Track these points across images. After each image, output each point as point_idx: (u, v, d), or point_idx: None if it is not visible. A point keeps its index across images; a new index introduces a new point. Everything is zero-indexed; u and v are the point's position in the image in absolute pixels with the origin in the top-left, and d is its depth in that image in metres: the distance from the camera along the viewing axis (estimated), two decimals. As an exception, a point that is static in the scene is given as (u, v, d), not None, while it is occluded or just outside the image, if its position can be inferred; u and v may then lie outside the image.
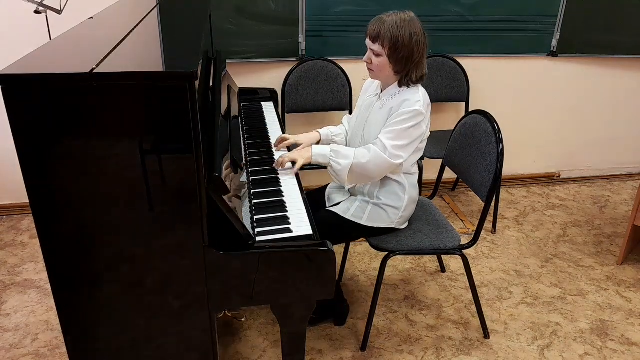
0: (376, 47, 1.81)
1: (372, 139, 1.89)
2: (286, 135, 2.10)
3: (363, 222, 1.98)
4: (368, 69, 1.90)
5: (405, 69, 1.83)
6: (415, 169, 2.01)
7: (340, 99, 3.06)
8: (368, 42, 1.84)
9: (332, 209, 2.04)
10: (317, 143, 2.12)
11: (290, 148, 2.10)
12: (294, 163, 1.89)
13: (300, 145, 2.04)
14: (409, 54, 1.79)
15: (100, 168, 1.26)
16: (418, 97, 1.83)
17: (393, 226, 2.01)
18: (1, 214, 3.09)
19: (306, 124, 3.16)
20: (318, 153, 1.89)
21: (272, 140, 2.19)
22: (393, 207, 1.98)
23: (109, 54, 1.33)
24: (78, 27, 1.70)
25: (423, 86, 1.91)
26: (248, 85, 2.94)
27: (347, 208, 2.01)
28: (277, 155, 2.05)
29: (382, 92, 1.95)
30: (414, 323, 2.29)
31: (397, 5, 2.95)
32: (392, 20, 1.78)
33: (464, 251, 2.05)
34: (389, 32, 1.77)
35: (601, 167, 3.76)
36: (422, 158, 2.84)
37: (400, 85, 1.88)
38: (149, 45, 1.48)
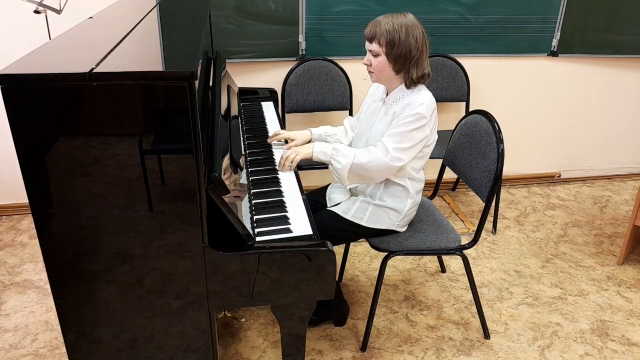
0: (374, 46, 1.82)
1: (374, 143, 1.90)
2: (280, 131, 2.15)
3: (363, 223, 1.98)
4: (369, 72, 1.90)
5: (404, 67, 1.83)
6: (422, 176, 2.00)
7: (340, 99, 3.06)
8: (367, 44, 1.86)
9: (332, 209, 2.04)
10: (309, 142, 2.15)
11: (286, 141, 2.13)
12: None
13: (294, 140, 2.09)
14: (407, 50, 1.79)
15: (100, 168, 1.25)
16: (422, 100, 1.83)
17: (393, 228, 2.01)
18: (1, 214, 3.08)
19: (306, 124, 3.16)
20: (320, 150, 1.90)
21: (272, 141, 2.20)
22: (394, 210, 1.97)
23: (108, 53, 1.33)
24: (77, 26, 1.70)
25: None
26: (248, 85, 2.94)
27: (347, 208, 2.01)
28: (277, 155, 2.05)
29: (386, 96, 1.95)
30: (414, 323, 2.28)
31: (397, 4, 2.95)
32: (388, 20, 1.81)
33: (464, 251, 2.05)
34: (385, 29, 1.79)
35: (601, 167, 3.76)
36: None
37: (406, 87, 1.88)
38: (149, 45, 1.48)
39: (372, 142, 1.93)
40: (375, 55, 1.84)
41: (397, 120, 1.83)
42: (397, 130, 1.82)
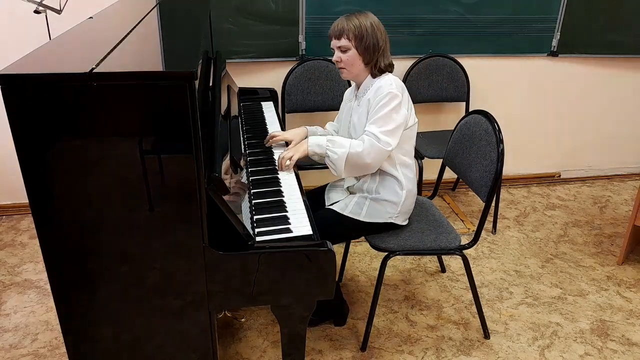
0: (343, 42, 1.90)
1: (359, 136, 1.93)
2: (276, 132, 2.14)
3: (361, 218, 1.99)
4: (340, 68, 1.98)
5: (373, 57, 1.91)
6: (412, 161, 2.02)
7: (340, 99, 3.02)
8: (334, 42, 1.94)
9: (330, 207, 2.04)
10: (305, 137, 2.15)
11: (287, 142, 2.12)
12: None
13: (290, 142, 2.08)
14: (375, 40, 1.89)
15: (100, 168, 1.25)
16: (390, 81, 1.91)
17: (392, 221, 2.01)
18: (1, 214, 3.09)
19: (306, 124, 3.14)
20: (314, 143, 1.93)
21: (272, 141, 2.19)
22: (391, 202, 1.98)
23: (108, 53, 1.33)
24: (78, 26, 1.70)
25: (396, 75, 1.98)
26: (248, 85, 2.94)
27: (345, 205, 2.02)
28: (277, 155, 2.05)
29: (357, 90, 2.02)
30: (414, 323, 2.28)
31: (396, 5, 2.95)
32: (351, 17, 1.91)
33: (464, 251, 2.05)
34: (352, 25, 1.89)
35: (601, 167, 3.76)
36: (422, 158, 2.85)
37: (373, 76, 1.96)
38: (149, 45, 1.48)
39: (354, 133, 1.99)
40: (345, 50, 1.91)
41: (373, 106, 1.89)
42: (377, 115, 1.87)
